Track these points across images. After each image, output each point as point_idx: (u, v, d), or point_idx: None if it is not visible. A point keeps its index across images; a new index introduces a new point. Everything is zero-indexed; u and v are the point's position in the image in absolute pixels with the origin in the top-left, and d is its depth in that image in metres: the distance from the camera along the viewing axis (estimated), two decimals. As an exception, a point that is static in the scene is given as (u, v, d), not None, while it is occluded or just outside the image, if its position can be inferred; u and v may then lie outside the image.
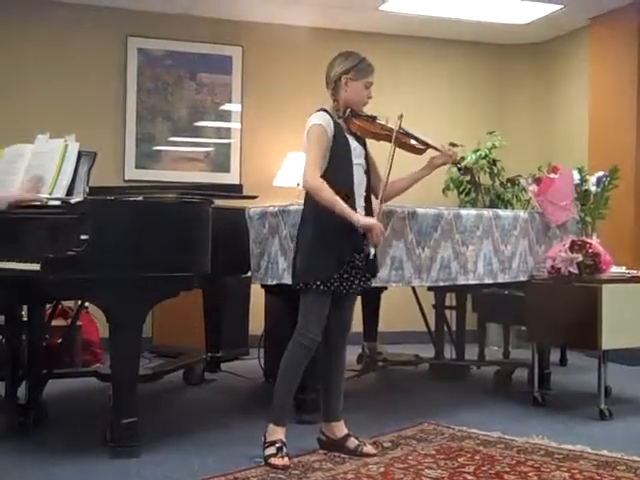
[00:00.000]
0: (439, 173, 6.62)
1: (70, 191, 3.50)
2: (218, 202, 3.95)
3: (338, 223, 3.31)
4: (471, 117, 7.29)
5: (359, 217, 3.35)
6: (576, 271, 4.24)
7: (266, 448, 3.32)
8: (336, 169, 3.37)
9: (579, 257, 4.24)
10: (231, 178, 6.68)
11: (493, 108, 7.42)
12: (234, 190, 4.99)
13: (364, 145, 3.54)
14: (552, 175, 4.69)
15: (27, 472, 3.20)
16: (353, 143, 3.46)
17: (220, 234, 3.80)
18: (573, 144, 6.82)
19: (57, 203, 3.42)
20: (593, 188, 4.63)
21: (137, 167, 6.54)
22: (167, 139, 6.66)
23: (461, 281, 4.23)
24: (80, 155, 3.57)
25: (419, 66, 7.25)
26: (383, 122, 3.54)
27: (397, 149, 3.50)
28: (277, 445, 3.29)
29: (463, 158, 3.85)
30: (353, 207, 3.36)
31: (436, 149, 3.72)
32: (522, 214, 4.61)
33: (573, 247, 4.28)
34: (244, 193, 4.70)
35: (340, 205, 3.30)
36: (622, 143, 6.16)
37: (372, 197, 3.54)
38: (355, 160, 3.45)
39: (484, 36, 7.20)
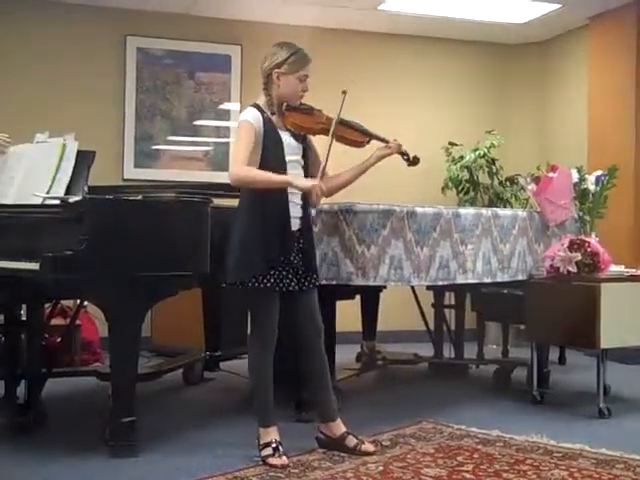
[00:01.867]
0: (438, 172, 6.72)
1: (69, 190, 3.49)
2: (217, 201, 3.95)
3: (267, 222, 3.27)
4: (470, 116, 7.29)
5: (296, 179, 3.28)
6: (575, 270, 4.24)
7: (262, 450, 3.31)
8: (268, 167, 3.27)
9: (578, 256, 4.25)
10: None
11: (492, 107, 7.42)
12: (233, 189, 4.97)
13: (303, 141, 3.45)
14: (551, 174, 4.70)
15: (26, 471, 3.20)
16: (287, 139, 3.37)
17: (219, 233, 3.79)
18: (572, 143, 6.82)
19: (56, 202, 3.42)
20: (592, 187, 4.64)
21: (136, 166, 6.54)
22: (166, 138, 6.66)
23: (460, 280, 4.24)
24: (79, 154, 3.57)
25: (417, 65, 7.24)
26: (322, 113, 3.42)
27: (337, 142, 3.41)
28: (273, 445, 3.29)
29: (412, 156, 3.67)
30: (286, 203, 3.30)
31: (380, 139, 3.59)
32: (521, 213, 4.61)
33: (572, 246, 4.28)
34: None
35: (275, 177, 3.24)
36: (621, 142, 6.17)
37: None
38: (289, 157, 3.36)
39: (483, 35, 7.20)
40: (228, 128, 6.79)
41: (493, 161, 6.87)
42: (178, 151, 6.70)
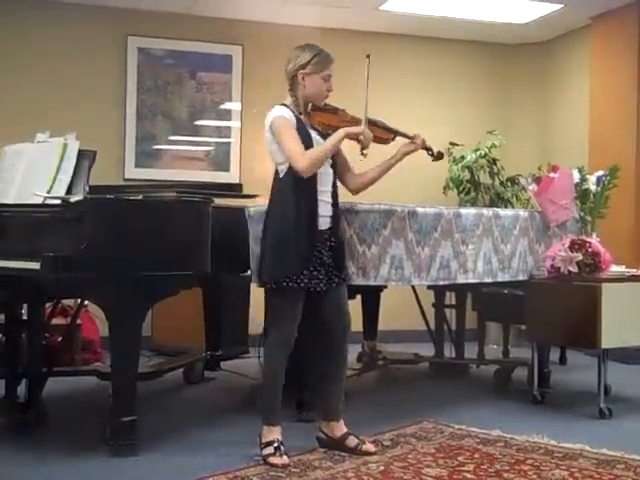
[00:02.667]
0: (439, 172, 6.71)
1: (70, 190, 3.49)
2: (218, 201, 3.95)
3: (298, 221, 3.30)
4: (471, 116, 7.29)
5: (345, 129, 3.37)
6: (576, 270, 4.24)
7: (263, 449, 3.32)
8: None
9: (579, 256, 4.25)
10: (231, 177, 6.68)
11: (493, 107, 7.41)
12: (234, 189, 5.00)
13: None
14: (552, 174, 4.69)
15: (27, 470, 3.20)
16: (316, 138, 3.42)
17: (220, 233, 3.80)
18: (573, 143, 6.82)
19: (57, 202, 3.42)
20: (593, 187, 4.64)
21: (137, 166, 6.54)
22: (167, 138, 6.66)
23: (461, 280, 4.23)
24: (80, 154, 3.57)
25: (419, 65, 7.24)
26: (347, 113, 3.49)
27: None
28: (274, 445, 3.29)
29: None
30: (315, 204, 3.35)
31: (404, 136, 3.66)
32: (522, 213, 4.61)
33: (573, 246, 4.28)
34: (244, 192, 4.70)
35: (328, 141, 3.35)
36: (622, 142, 6.16)
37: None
38: None
39: (484, 35, 7.19)
40: (229, 128, 6.79)
41: (494, 161, 6.87)
42: (179, 151, 6.71)
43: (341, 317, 3.50)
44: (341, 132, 3.38)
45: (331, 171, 3.47)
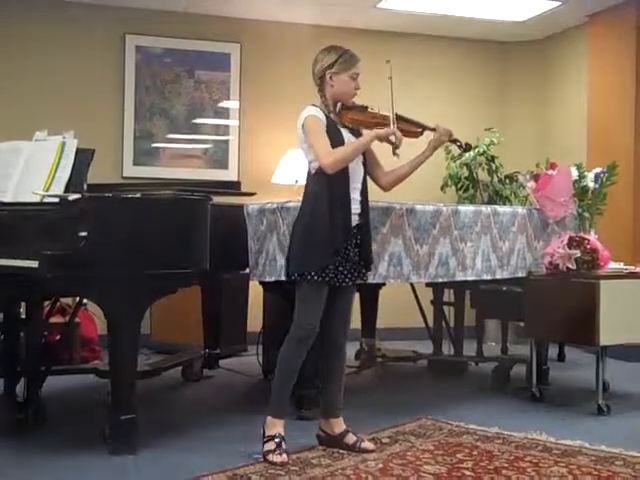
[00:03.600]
0: (437, 169, 6.71)
1: (68, 188, 3.49)
2: (216, 199, 3.95)
3: (331, 213, 3.32)
4: (469, 114, 7.28)
5: (375, 131, 3.41)
6: (574, 267, 4.24)
7: (266, 442, 3.32)
8: None
9: (577, 253, 4.25)
10: (229, 175, 6.67)
11: (491, 105, 7.41)
12: (232, 187, 4.98)
13: (359, 137, 3.52)
14: (550, 171, 4.69)
15: (25, 469, 3.20)
16: (347, 135, 3.45)
17: (218, 231, 3.80)
18: (571, 140, 6.82)
19: (55, 200, 3.42)
20: (591, 184, 4.63)
21: (135, 164, 6.53)
22: (165, 136, 6.65)
23: (459, 277, 4.24)
24: (78, 152, 3.57)
25: (418, 63, 7.23)
26: (375, 111, 3.52)
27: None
28: (276, 440, 3.30)
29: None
30: (347, 200, 3.37)
31: (431, 129, 3.69)
32: (520, 210, 4.61)
33: (571, 243, 4.28)
34: (242, 190, 4.70)
35: (358, 141, 3.40)
36: (620, 139, 6.16)
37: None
38: None
39: (482, 33, 7.19)
40: (227, 126, 6.78)
41: (492, 158, 6.87)
42: (177, 149, 6.70)
43: (346, 316, 3.53)
44: (372, 134, 3.41)
45: (362, 168, 3.49)
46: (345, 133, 3.46)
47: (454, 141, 3.76)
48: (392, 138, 3.43)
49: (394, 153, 3.44)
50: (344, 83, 3.44)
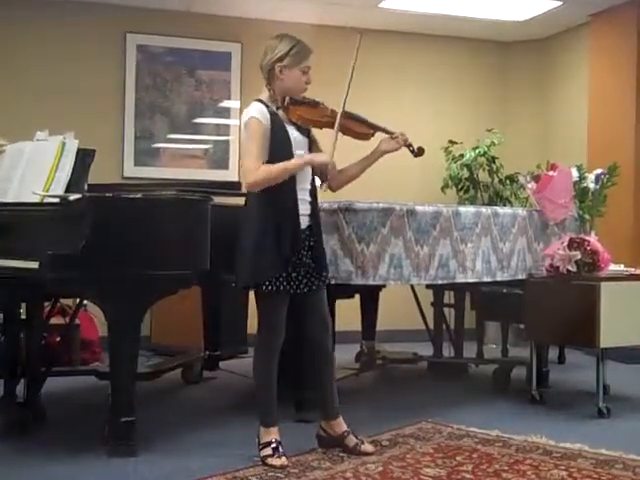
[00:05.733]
0: (438, 171, 6.71)
1: (69, 188, 3.48)
2: (217, 199, 3.94)
3: (278, 221, 3.25)
4: (470, 114, 7.29)
5: (315, 155, 3.32)
6: (574, 269, 4.24)
7: (262, 449, 3.31)
8: (275, 162, 3.24)
9: (577, 255, 4.24)
10: (230, 175, 6.67)
11: (492, 105, 7.41)
12: (233, 187, 4.97)
13: (308, 134, 3.43)
14: (551, 172, 4.69)
15: (25, 470, 3.20)
16: (294, 133, 3.34)
17: (219, 231, 3.79)
18: (572, 141, 6.81)
19: (55, 200, 3.41)
20: (592, 185, 4.62)
21: (136, 164, 6.53)
22: (166, 136, 6.65)
23: (460, 279, 4.23)
24: (79, 152, 3.56)
25: (418, 63, 7.23)
26: (327, 106, 3.39)
27: (342, 134, 3.38)
28: (272, 445, 3.29)
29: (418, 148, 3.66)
30: (295, 203, 3.29)
31: (385, 132, 3.55)
32: (521, 212, 4.61)
33: (571, 245, 4.27)
34: (243, 190, 4.68)
35: (291, 164, 3.24)
36: (621, 140, 6.16)
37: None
38: (297, 151, 3.32)
39: (483, 33, 7.19)
40: (228, 126, 6.78)
41: (493, 159, 6.87)
42: (178, 149, 6.70)
43: (320, 317, 3.44)
44: (305, 159, 3.30)
45: (310, 168, 3.38)
46: (291, 130, 3.33)
47: (407, 146, 3.58)
48: (324, 168, 3.30)
49: (320, 186, 3.37)
50: (294, 78, 3.30)
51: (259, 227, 3.27)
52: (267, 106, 3.31)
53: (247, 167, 3.24)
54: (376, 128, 3.54)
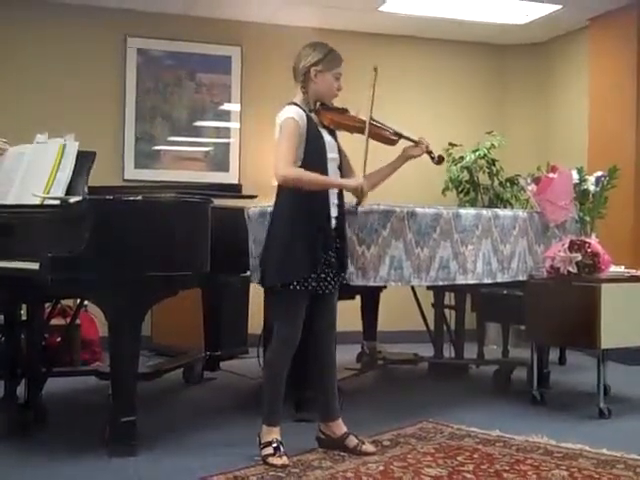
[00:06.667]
0: (438, 173, 6.71)
1: (69, 191, 3.49)
2: (217, 202, 3.95)
3: (311, 223, 3.30)
4: (470, 117, 7.30)
5: (346, 181, 3.40)
6: (575, 271, 4.24)
7: (263, 449, 3.31)
8: (311, 165, 3.30)
9: (578, 256, 4.24)
10: (230, 178, 6.68)
11: (492, 108, 7.42)
12: (233, 190, 4.99)
13: (336, 138, 3.50)
14: (551, 175, 4.69)
15: (26, 470, 3.20)
16: (326, 137, 3.42)
17: (219, 233, 3.80)
18: (572, 144, 6.82)
19: (56, 202, 3.42)
20: (592, 188, 4.63)
21: (136, 167, 6.54)
22: (166, 139, 6.66)
23: (460, 281, 4.23)
24: (79, 155, 3.57)
25: (417, 66, 7.25)
26: (354, 114, 3.49)
27: (370, 139, 3.47)
28: (274, 445, 3.29)
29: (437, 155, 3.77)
30: (327, 203, 3.36)
31: (409, 139, 3.67)
32: (521, 214, 4.61)
33: (572, 247, 4.28)
34: (243, 193, 4.70)
35: (325, 178, 3.33)
36: (621, 143, 6.17)
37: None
38: (329, 154, 3.40)
39: (483, 36, 7.20)
40: (228, 129, 6.79)
41: (493, 162, 6.87)
42: (178, 152, 6.71)
43: (333, 320, 3.51)
44: (341, 182, 3.41)
45: (339, 172, 3.47)
46: (324, 134, 3.42)
47: (428, 153, 3.71)
48: (357, 192, 3.38)
49: (356, 205, 3.50)
50: (328, 82, 3.40)
51: (291, 228, 3.32)
52: (302, 109, 3.38)
53: (281, 159, 3.28)
54: (401, 136, 3.65)
